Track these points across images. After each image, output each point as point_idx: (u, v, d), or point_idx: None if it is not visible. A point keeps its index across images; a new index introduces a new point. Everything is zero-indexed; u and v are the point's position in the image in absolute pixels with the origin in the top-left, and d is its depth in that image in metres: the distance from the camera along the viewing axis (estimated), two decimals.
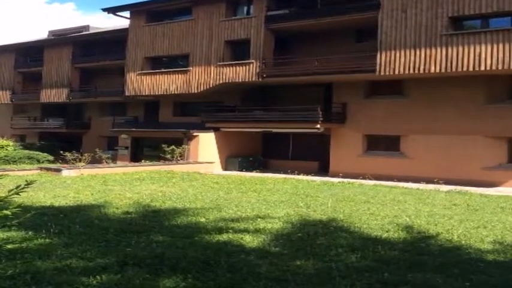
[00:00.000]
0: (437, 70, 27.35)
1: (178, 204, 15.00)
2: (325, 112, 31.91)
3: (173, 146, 33.00)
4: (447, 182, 25.73)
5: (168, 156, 32.66)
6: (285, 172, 30.79)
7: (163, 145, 33.09)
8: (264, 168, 35.43)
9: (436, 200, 18.06)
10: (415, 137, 30.10)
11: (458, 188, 22.92)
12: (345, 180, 26.07)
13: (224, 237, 10.21)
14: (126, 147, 39.03)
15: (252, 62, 33.90)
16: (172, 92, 38.31)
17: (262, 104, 35.93)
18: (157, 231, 10.71)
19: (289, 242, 9.98)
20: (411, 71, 28.15)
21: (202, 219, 12.27)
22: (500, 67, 25.68)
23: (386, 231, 11.33)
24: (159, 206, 14.48)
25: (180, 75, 37.78)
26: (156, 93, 39.41)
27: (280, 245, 9.69)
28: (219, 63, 35.56)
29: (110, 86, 45.07)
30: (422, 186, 24.18)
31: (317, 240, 10.17)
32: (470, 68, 26.45)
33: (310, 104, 32.51)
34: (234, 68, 34.86)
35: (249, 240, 9.94)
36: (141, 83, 39.92)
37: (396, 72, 28.62)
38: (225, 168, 35.17)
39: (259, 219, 12.35)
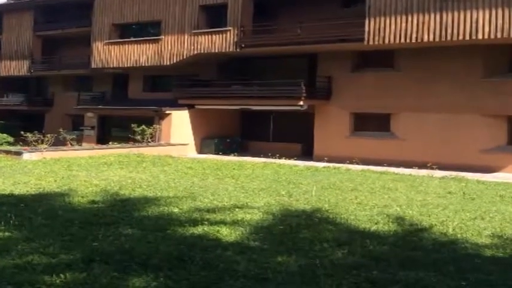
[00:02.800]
0: (431, 39, 27.19)
1: (149, 193, 15.00)
2: (309, 87, 31.74)
3: (143, 126, 32.87)
4: (441, 167, 25.62)
5: (138, 137, 32.50)
6: (265, 155, 30.76)
7: (132, 125, 32.95)
8: (242, 151, 35.25)
9: (429, 188, 18.17)
10: (407, 115, 30.10)
11: (454, 173, 22.87)
12: (331, 165, 26.06)
13: (199, 230, 10.24)
14: (92, 127, 38.80)
15: (229, 30, 33.61)
16: (143, 64, 38.11)
17: (241, 77, 35.73)
18: (126, 223, 10.72)
19: (270, 236, 10.03)
20: (403, 39, 27.96)
21: (175, 210, 12.29)
22: (499, 35, 25.49)
23: (376, 223, 11.41)
24: (128, 195, 14.48)
25: (151, 45, 37.54)
26: (125, 66, 39.18)
27: (260, 239, 9.73)
28: (193, 31, 35.25)
29: (75, 57, 44.67)
30: (414, 171, 24.12)
31: (300, 234, 10.22)
32: (467, 37, 26.26)
33: (293, 77, 32.34)
34: (210, 36, 34.58)
35: (226, 234, 9.97)
36: (109, 54, 39.65)
37: (386, 41, 28.45)
38: (200, 151, 35.06)
39: (237, 210, 12.39)
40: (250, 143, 36.87)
